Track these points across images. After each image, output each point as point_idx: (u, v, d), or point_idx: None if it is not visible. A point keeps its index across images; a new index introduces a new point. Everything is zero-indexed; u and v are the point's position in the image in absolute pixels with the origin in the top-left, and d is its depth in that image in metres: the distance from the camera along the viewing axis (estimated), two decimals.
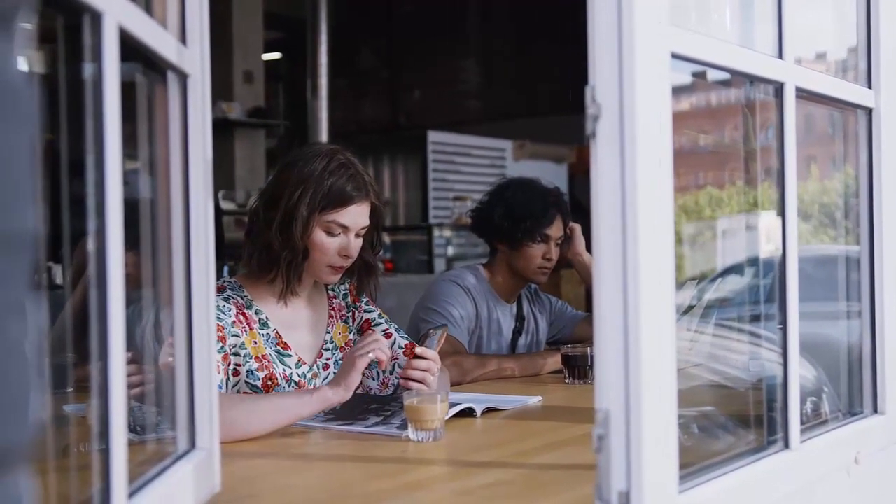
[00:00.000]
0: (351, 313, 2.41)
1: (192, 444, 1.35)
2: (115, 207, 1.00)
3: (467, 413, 2.10)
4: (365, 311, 2.41)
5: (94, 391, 1.01)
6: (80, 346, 1.14)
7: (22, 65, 0.60)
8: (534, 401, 2.34)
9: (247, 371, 2.15)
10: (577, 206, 4.31)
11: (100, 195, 0.99)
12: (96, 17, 0.98)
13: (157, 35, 1.19)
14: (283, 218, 2.15)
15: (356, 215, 2.20)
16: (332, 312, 2.38)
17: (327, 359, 2.33)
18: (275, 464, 1.75)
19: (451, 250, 7.56)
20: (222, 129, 7.38)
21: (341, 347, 2.36)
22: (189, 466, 1.29)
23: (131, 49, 1.09)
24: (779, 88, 1.50)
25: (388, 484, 1.58)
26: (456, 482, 1.61)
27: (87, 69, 1.00)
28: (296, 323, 2.29)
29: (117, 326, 1.00)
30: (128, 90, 1.06)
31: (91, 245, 0.99)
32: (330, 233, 2.19)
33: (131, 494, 1.06)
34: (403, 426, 1.90)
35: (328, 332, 2.35)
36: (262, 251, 2.19)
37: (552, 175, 5.62)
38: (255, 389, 2.16)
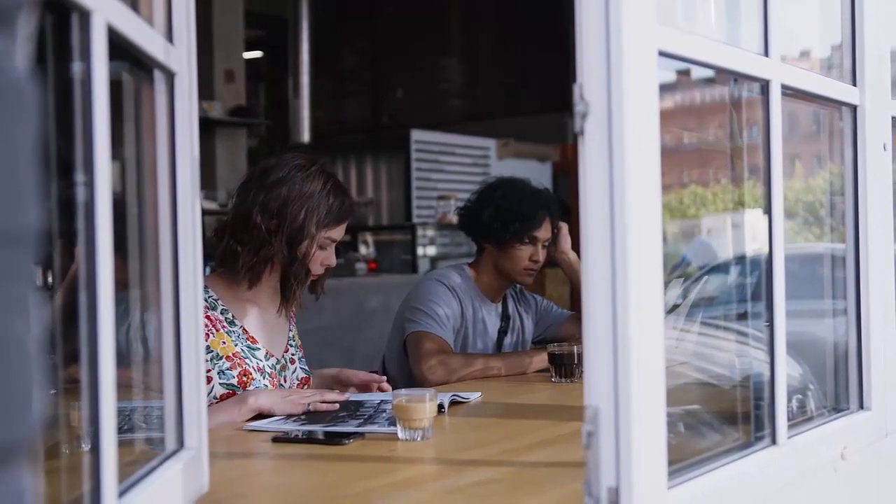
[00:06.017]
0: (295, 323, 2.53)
1: (181, 444, 1.34)
2: (104, 206, 0.99)
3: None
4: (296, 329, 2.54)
5: (83, 392, 1.00)
6: (64, 347, 1.13)
7: (24, 63, 0.60)
8: (474, 397, 2.34)
9: (218, 372, 2.17)
10: (561, 205, 4.31)
11: (89, 194, 0.98)
12: (85, 16, 0.98)
13: (144, 33, 1.19)
14: (291, 234, 2.22)
15: (344, 229, 2.33)
16: (292, 313, 2.47)
17: (292, 354, 2.42)
18: (263, 464, 1.75)
19: (435, 250, 7.55)
20: (203, 129, 7.25)
21: (300, 346, 2.46)
22: (178, 466, 1.28)
23: (118, 47, 1.09)
24: (765, 86, 1.50)
25: (378, 483, 1.58)
26: (445, 480, 1.61)
27: (76, 67, 0.99)
28: (262, 320, 2.35)
29: (107, 326, 0.99)
30: (113, 89, 1.06)
31: (79, 245, 0.99)
32: (322, 247, 2.28)
33: (121, 494, 1.06)
34: (392, 422, 1.89)
35: (291, 330, 2.44)
36: (263, 263, 2.24)
37: (536, 174, 5.62)
38: (231, 388, 2.17)
